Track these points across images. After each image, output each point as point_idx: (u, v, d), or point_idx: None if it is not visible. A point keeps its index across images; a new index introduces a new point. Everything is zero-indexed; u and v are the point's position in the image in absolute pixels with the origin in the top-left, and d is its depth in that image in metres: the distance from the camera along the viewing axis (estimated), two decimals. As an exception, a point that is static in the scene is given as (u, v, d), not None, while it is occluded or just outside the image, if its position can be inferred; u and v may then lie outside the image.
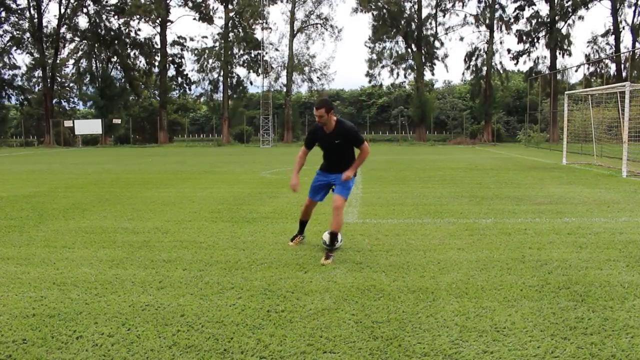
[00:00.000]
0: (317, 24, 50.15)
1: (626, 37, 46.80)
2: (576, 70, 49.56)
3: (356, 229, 7.09)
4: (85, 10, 48.29)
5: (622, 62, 42.35)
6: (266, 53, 48.32)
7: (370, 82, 51.42)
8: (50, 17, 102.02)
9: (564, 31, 43.58)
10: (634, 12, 41.96)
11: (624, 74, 40.70)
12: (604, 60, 44.25)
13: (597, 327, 3.64)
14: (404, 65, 48.47)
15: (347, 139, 5.79)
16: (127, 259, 5.60)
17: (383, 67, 49.17)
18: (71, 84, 55.09)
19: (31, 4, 47.15)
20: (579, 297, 4.25)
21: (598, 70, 44.83)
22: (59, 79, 53.13)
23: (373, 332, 3.59)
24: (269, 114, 44.66)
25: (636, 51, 41.74)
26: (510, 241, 6.25)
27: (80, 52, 50.32)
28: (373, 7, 47.18)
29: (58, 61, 49.41)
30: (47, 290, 4.55)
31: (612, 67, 43.89)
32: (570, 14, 43.38)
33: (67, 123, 46.18)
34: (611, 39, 43.42)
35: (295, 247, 6.08)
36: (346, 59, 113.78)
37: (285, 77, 49.66)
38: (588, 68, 44.37)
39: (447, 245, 6.06)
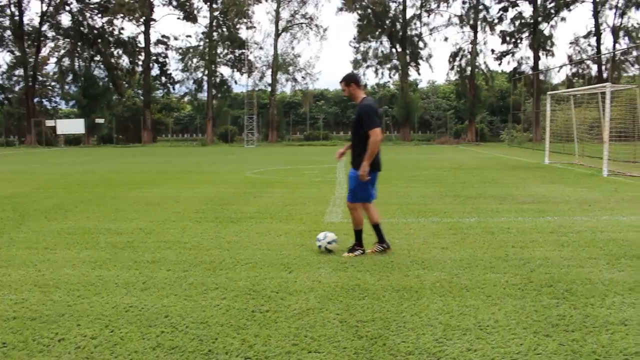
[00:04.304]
0: (302, 23, 50.06)
1: (607, 39, 47.29)
2: (559, 71, 50.26)
3: (340, 228, 7.09)
4: (67, 8, 47.68)
5: (603, 63, 42.96)
6: (251, 52, 48.19)
7: (355, 82, 51.30)
8: (32, 14, 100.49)
9: (546, 32, 44.09)
10: (614, 14, 42.61)
11: (604, 75, 41.28)
12: (585, 61, 44.85)
13: (579, 324, 3.69)
14: (388, 65, 48.59)
15: (359, 120, 4.81)
16: (110, 260, 5.55)
17: (368, 67, 49.23)
18: (53, 83, 54.39)
19: (12, 1, 46.40)
20: (561, 294, 4.30)
21: (580, 71, 45.44)
22: (41, 78, 52.38)
23: (358, 332, 3.60)
24: (254, 114, 44.48)
25: (616, 52, 42.37)
26: (493, 240, 6.31)
27: (62, 51, 49.69)
28: (358, 7, 47.25)
29: (39, 59, 48.71)
30: (29, 292, 4.49)
31: (594, 68, 44.56)
32: (553, 15, 43.87)
33: (49, 122, 45.50)
34: (592, 40, 43.99)
35: (280, 247, 6.06)
36: (331, 58, 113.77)
37: (270, 77, 49.54)
38: (570, 69, 44.99)
39: (431, 245, 6.10)
